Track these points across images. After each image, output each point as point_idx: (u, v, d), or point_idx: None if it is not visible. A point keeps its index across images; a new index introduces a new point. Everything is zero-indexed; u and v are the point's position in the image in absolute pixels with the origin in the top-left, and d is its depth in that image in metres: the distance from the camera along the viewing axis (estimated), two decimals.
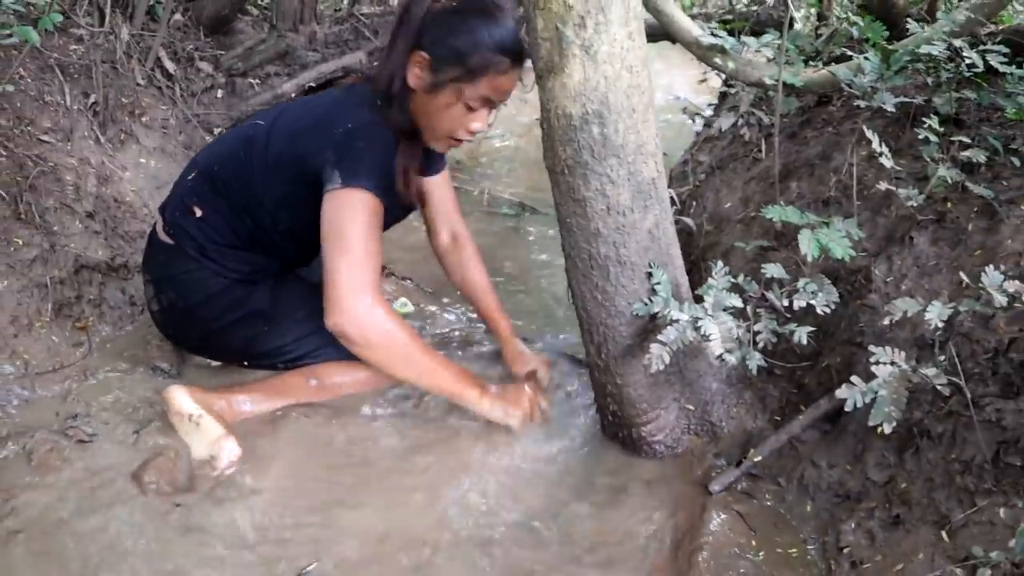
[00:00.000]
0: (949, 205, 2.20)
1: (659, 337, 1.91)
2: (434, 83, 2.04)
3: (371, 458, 2.18)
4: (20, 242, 2.61)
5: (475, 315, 2.73)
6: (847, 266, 2.20)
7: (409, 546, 1.91)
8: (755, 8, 4.05)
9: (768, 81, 2.66)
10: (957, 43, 2.30)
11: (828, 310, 1.98)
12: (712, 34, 2.81)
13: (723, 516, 1.97)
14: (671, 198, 2.42)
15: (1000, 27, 2.87)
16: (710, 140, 3.44)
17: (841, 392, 1.74)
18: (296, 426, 2.23)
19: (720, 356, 1.89)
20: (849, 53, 2.97)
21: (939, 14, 2.93)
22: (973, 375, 1.83)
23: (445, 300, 3.04)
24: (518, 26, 2.04)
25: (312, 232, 2.07)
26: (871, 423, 1.69)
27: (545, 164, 1.99)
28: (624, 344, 2.07)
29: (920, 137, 2.21)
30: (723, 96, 3.82)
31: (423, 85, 2.07)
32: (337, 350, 2.16)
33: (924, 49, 2.28)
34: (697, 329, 1.92)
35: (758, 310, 2.05)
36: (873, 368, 1.74)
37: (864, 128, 2.23)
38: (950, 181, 2.16)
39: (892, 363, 1.74)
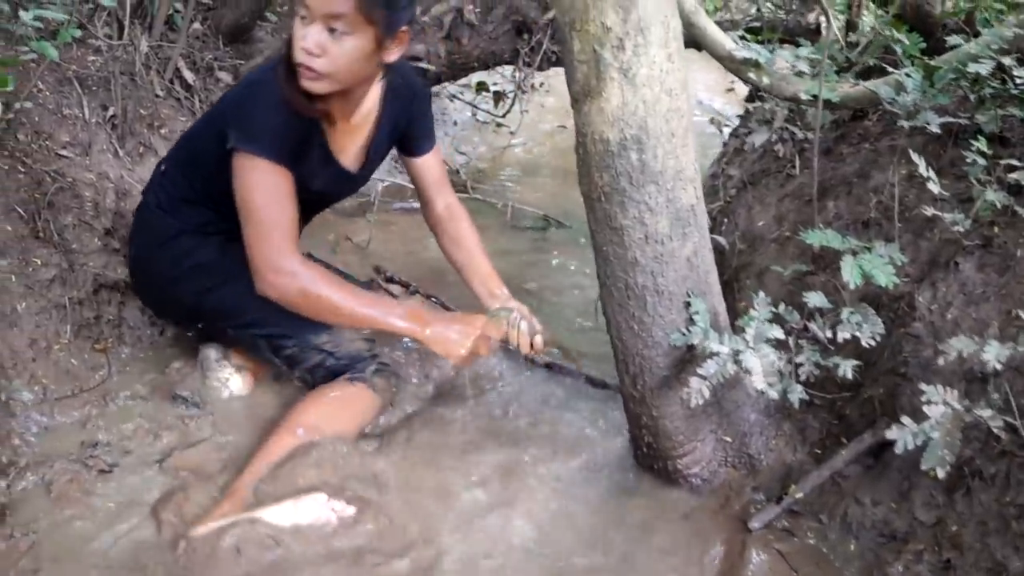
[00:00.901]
0: (996, 229, 2.12)
1: (699, 371, 1.84)
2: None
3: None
4: (38, 262, 2.55)
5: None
6: (889, 293, 2.12)
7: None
8: (783, 15, 3.96)
9: (804, 96, 2.59)
10: (1007, 61, 2.22)
11: (873, 343, 1.91)
12: (744, 45, 2.73)
13: (763, 555, 1.91)
14: None
15: None
16: (740, 153, 3.36)
17: (891, 433, 1.67)
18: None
19: (761, 390, 1.83)
20: (882, 65, 2.88)
21: (981, 27, 2.84)
22: None
23: None
24: None
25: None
26: (923, 467, 1.62)
27: (581, 191, 1.93)
28: (660, 375, 2.01)
29: (968, 160, 2.12)
30: (750, 101, 3.73)
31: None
32: (276, 320, 2.26)
33: (972, 68, 2.20)
34: (738, 362, 1.85)
35: (800, 341, 1.97)
36: (924, 408, 1.66)
37: (909, 150, 2.15)
38: (998, 205, 2.08)
39: (944, 403, 1.66)
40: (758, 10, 4.09)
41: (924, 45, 2.69)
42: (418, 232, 3.43)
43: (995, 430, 1.65)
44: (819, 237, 2.02)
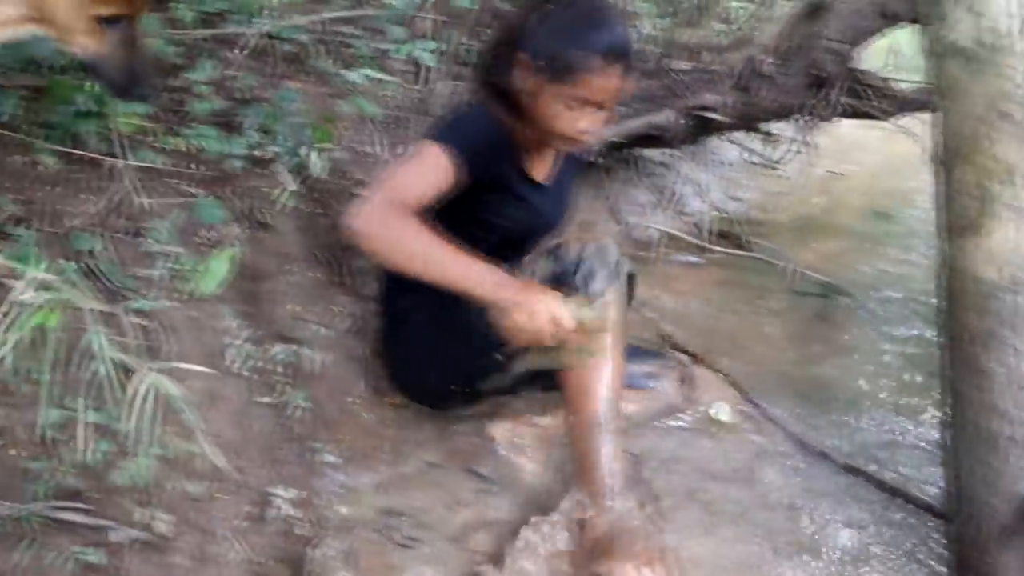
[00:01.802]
0: None
1: None
2: (535, 85, 2.04)
3: None
4: (338, 310, 2.56)
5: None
6: None
7: None
8: None
9: None
10: None
11: None
12: None
13: None
14: None
15: None
16: None
17: None
18: None
19: None
20: None
21: None
22: None
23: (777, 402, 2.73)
24: (615, 28, 2.04)
25: (455, 222, 2.01)
26: None
27: (944, 330, 1.82)
28: (1003, 523, 1.82)
29: None
30: None
31: (527, 87, 2.06)
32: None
33: None
34: None
35: None
36: None
37: None
38: None
39: None
40: None
41: None
42: (702, 289, 3.27)
43: None
44: None
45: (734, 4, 4.76)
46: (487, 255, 1.91)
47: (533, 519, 2.08)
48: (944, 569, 2.04)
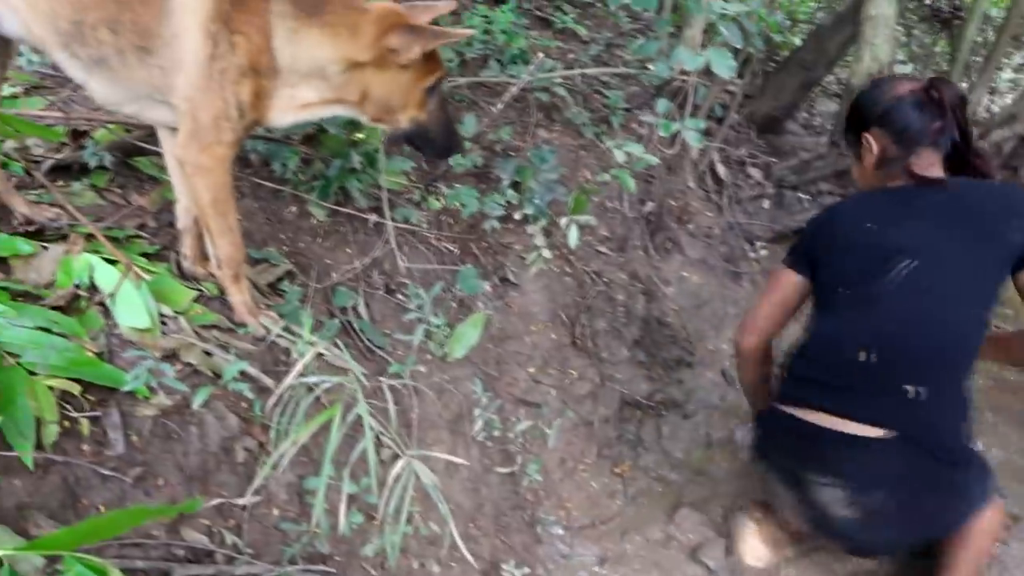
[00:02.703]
0: None
1: None
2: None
3: None
4: (574, 373, 2.55)
5: None
6: None
7: None
8: None
9: None
10: None
11: None
12: None
13: None
14: None
15: None
16: None
17: None
18: None
19: None
20: None
21: None
22: None
23: None
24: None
25: None
26: None
27: None
28: None
29: None
30: None
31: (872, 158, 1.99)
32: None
33: None
34: None
35: None
36: None
37: None
38: None
39: None
40: None
41: None
42: None
43: None
44: None
45: (1004, 78, 4.43)
46: None
47: None
48: None
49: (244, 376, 1.70)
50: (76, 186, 1.98)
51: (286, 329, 1.82)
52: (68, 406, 1.50)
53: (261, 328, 1.80)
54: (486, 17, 3.20)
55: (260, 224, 2.12)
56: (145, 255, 1.84)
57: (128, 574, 1.37)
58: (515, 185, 2.54)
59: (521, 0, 3.83)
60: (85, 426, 1.50)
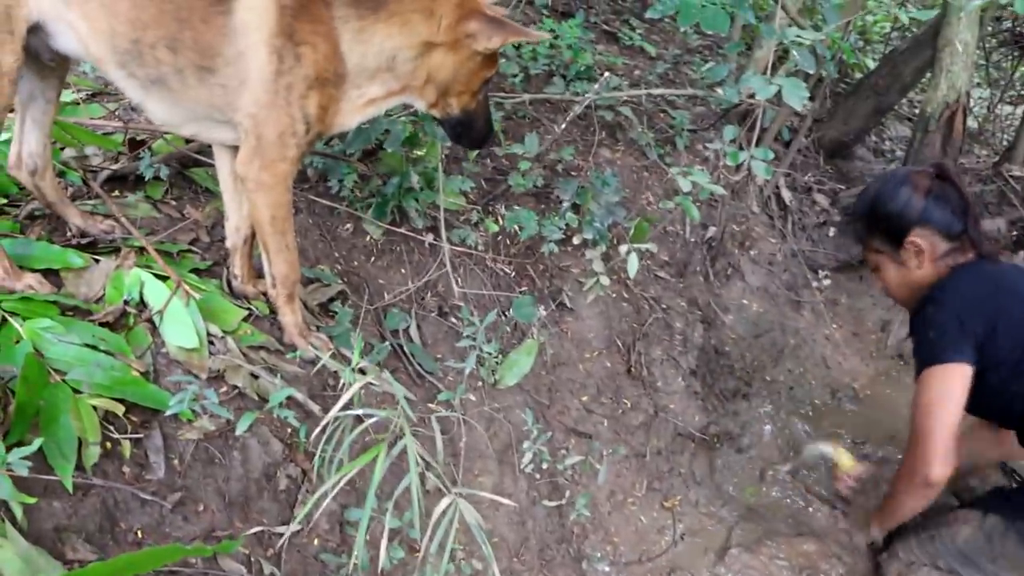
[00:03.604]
0: None
1: None
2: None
3: None
4: (628, 403, 2.48)
5: None
6: None
7: None
8: None
9: None
10: None
11: None
12: None
13: None
14: None
15: None
16: None
17: None
18: None
19: None
20: None
21: None
22: None
23: None
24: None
25: None
26: None
27: None
28: None
29: None
30: None
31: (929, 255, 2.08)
32: None
33: None
34: None
35: None
36: None
37: None
38: None
39: None
40: None
41: None
42: None
43: None
44: None
45: None
46: None
47: None
48: None
49: (290, 401, 1.66)
50: (131, 197, 1.97)
51: (335, 352, 1.79)
52: (111, 427, 1.47)
53: (311, 351, 1.76)
54: (553, 31, 3.15)
55: (314, 241, 2.09)
56: (196, 271, 1.82)
57: None
58: (575, 207, 2.48)
59: (589, 13, 3.77)
60: (127, 448, 1.47)
